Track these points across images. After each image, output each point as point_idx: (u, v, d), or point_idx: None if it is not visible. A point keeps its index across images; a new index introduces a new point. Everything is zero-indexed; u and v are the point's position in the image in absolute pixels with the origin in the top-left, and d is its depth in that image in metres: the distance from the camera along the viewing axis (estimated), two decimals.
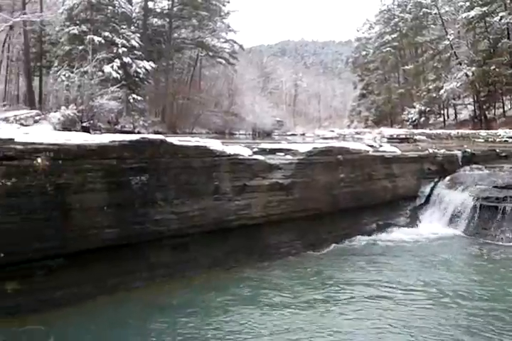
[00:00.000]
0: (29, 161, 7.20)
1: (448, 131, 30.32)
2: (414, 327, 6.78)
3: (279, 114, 75.43)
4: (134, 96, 34.55)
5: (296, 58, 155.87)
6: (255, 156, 10.95)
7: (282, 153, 11.72)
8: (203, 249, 9.61)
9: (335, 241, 11.79)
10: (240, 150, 10.83)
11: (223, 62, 52.96)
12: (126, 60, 33.74)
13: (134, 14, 42.97)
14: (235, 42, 53.98)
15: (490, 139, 23.73)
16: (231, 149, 10.53)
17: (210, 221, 9.59)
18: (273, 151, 11.84)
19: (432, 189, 14.54)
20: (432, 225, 13.44)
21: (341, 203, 12.20)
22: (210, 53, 52.03)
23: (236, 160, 10.32)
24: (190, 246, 9.44)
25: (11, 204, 6.97)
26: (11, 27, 34.67)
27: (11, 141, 7.22)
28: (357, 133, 40.50)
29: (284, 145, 12.99)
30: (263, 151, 11.74)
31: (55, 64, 34.86)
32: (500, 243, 11.87)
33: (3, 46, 36.04)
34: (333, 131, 48.42)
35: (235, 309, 7.45)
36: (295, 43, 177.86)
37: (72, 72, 29.37)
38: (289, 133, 64.69)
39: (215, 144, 10.32)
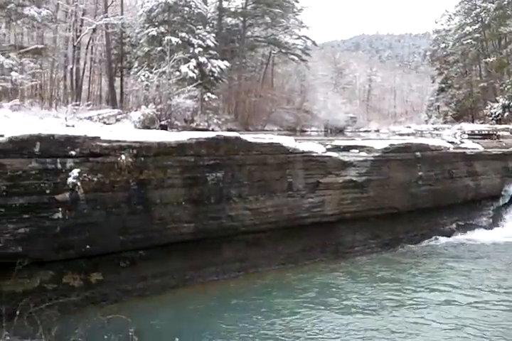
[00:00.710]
0: (114, 158, 7.60)
1: None
2: (486, 332, 6.49)
3: (352, 109, 74.09)
4: (209, 94, 35.33)
5: (371, 52, 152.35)
6: (329, 153, 10.87)
7: (356, 150, 11.54)
8: (277, 245, 9.71)
9: (412, 241, 11.47)
10: (314, 147, 10.80)
11: (296, 58, 52.81)
12: (202, 59, 34.55)
13: (209, 14, 43.93)
14: (308, 38, 53.60)
15: None
16: (304, 146, 10.52)
17: (283, 217, 9.66)
18: (347, 148, 11.68)
19: None
20: None
21: (419, 202, 11.82)
22: (283, 50, 52.07)
23: (309, 157, 10.31)
24: (264, 242, 9.57)
25: (96, 198, 7.40)
26: (94, 30, 36.62)
27: (97, 138, 7.64)
28: (435, 129, 39.02)
29: (358, 141, 12.78)
30: (337, 148, 11.62)
31: (135, 65, 36.40)
32: None
33: (87, 48, 38.12)
34: (409, 127, 46.95)
35: (303, 310, 7.40)
36: (369, 37, 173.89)
37: (151, 73, 30.58)
38: (362, 129, 63.40)
39: (288, 141, 10.36)
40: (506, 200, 13.65)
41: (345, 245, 10.55)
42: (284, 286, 8.45)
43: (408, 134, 32.86)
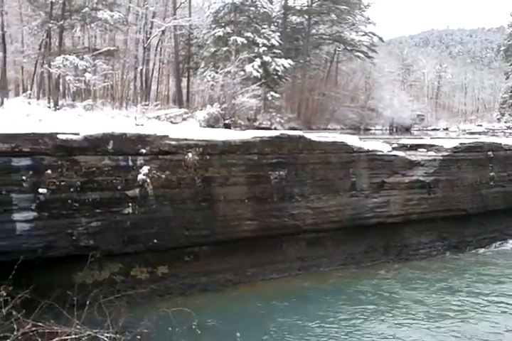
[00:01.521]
0: (181, 156, 7.84)
1: None
2: None
3: (420, 107, 71.79)
4: (272, 93, 35.44)
5: (441, 48, 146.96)
6: (395, 152, 10.62)
7: (424, 149, 11.21)
8: (339, 245, 9.62)
9: (481, 245, 11.00)
10: (379, 145, 10.59)
11: (361, 55, 51.76)
12: (266, 58, 34.69)
13: (274, 13, 44.04)
14: (374, 34, 52.32)
15: None
16: (369, 145, 10.34)
17: (346, 217, 9.55)
18: (414, 147, 11.37)
19: None
20: None
21: (490, 204, 11.31)
22: (348, 47, 51.18)
23: (374, 156, 10.12)
24: (325, 241, 9.51)
25: (164, 194, 7.66)
26: (163, 32, 37.79)
27: (166, 137, 7.91)
28: (509, 127, 37.06)
29: (426, 140, 12.42)
30: (403, 147, 11.34)
31: (202, 65, 37.12)
32: None
33: (156, 50, 39.39)
34: (480, 126, 44.92)
35: (358, 316, 7.18)
36: (439, 32, 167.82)
37: (217, 73, 31.08)
38: (430, 128, 61.36)
39: (352, 140, 10.23)
40: None
41: (410, 247, 10.28)
42: (344, 288, 8.32)
43: (479, 133, 31.44)
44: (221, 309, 7.27)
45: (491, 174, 11.39)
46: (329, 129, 37.02)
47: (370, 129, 49.99)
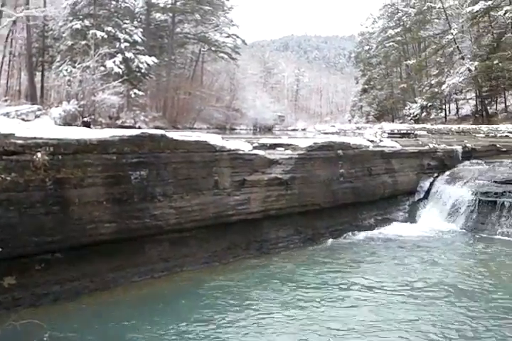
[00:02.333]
0: (29, 156, 7.23)
1: (449, 126, 30.27)
2: (397, 327, 6.69)
3: (281, 109, 75.46)
4: (136, 91, 34.55)
5: (299, 53, 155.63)
6: (255, 151, 10.99)
7: (282, 148, 11.74)
8: (202, 243, 9.67)
9: (333, 236, 11.84)
10: (240, 145, 10.86)
11: (225, 57, 52.86)
12: (129, 55, 33.71)
13: (136, 9, 42.93)
14: (238, 37, 53.84)
15: (491, 134, 23.65)
16: (231, 144, 10.55)
17: (209, 216, 9.64)
18: (273, 146, 11.86)
19: (431, 184, 14.56)
20: (430, 220, 13.45)
21: (340, 198, 12.24)
22: (213, 48, 51.95)
23: (236, 155, 10.36)
24: (189, 240, 9.50)
25: (10, 198, 7.01)
26: (14, 22, 34.71)
27: (12, 135, 7.25)
28: (358, 128, 40.52)
29: (284, 140, 13.01)
30: (263, 146, 11.77)
31: (58, 59, 34.87)
32: (499, 237, 11.93)
33: (6, 41, 36.14)
34: (333, 126, 48.43)
35: (214, 320, 7.06)
36: (298, 38, 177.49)
37: (74, 67, 29.39)
38: (290, 128, 64.81)
39: (215, 139, 10.35)
40: (421, 196, 14.42)
41: (270, 241, 10.71)
42: (201, 289, 8.24)
43: (332, 133, 33.96)
44: (76, 318, 6.84)
45: (341, 171, 12.30)
46: (195, 128, 37.19)
47: (235, 129, 51.26)
